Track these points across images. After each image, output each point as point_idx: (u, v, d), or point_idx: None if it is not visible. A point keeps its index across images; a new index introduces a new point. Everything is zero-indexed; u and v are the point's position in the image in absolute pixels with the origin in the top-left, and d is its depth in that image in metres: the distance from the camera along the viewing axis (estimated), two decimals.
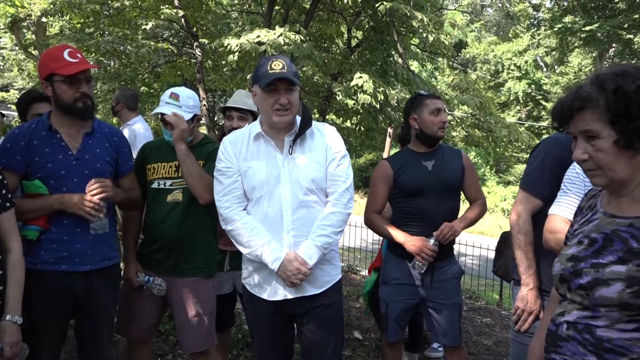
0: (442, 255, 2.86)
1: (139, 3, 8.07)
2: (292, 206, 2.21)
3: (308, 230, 2.23)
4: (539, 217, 2.25)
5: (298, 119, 2.32)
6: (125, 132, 4.17)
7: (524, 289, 2.25)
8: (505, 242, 2.88)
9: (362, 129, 7.80)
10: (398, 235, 2.87)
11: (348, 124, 8.02)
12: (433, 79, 20.80)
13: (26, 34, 15.58)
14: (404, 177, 2.90)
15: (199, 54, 8.14)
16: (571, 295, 1.42)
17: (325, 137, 2.30)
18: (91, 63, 2.38)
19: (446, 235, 2.78)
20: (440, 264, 2.89)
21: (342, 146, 2.31)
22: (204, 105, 8.04)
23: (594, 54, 21.85)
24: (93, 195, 2.28)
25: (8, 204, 2.11)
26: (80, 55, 2.33)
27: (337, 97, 7.05)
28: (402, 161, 2.96)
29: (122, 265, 2.71)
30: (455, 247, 3.10)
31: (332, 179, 2.27)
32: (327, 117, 8.27)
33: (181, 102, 2.63)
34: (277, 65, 2.17)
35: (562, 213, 2.01)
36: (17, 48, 16.65)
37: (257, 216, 2.26)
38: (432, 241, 2.79)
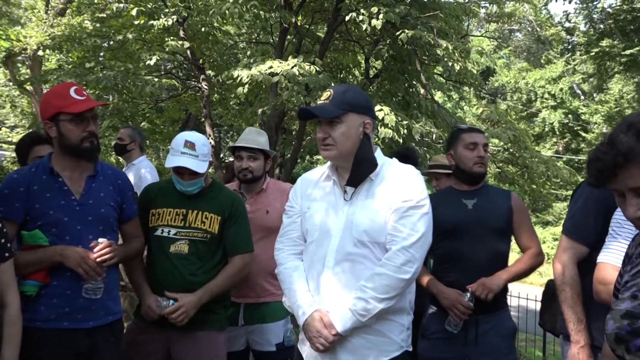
0: (490, 306, 2.77)
1: (143, 35, 8.32)
2: (335, 257, 2.13)
3: (351, 288, 2.10)
4: (586, 266, 2.23)
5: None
6: (130, 174, 4.24)
7: (574, 347, 2.20)
8: (552, 293, 2.83)
9: None
10: (432, 284, 2.83)
11: None
12: (459, 110, 20.90)
13: (21, 69, 16.10)
14: (440, 215, 2.85)
15: (206, 87, 8.32)
16: (631, 358, 1.38)
17: (396, 182, 2.16)
18: (93, 100, 2.46)
19: (481, 295, 2.70)
20: (488, 317, 2.79)
21: (415, 195, 2.12)
22: (211, 142, 8.18)
23: (636, 80, 21.88)
24: (100, 258, 2.31)
25: (7, 254, 2.13)
26: (86, 93, 2.42)
27: None
28: (441, 198, 2.98)
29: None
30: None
31: (392, 233, 2.10)
32: None
33: (198, 151, 2.66)
34: (323, 95, 2.22)
35: (612, 261, 1.99)
36: (10, 83, 17.16)
37: (305, 263, 2.25)
38: (467, 296, 2.71)
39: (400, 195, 2.12)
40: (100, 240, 2.33)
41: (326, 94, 2.20)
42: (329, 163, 2.31)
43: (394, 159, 2.30)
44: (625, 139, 1.31)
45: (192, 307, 2.58)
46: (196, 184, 2.72)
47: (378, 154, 2.25)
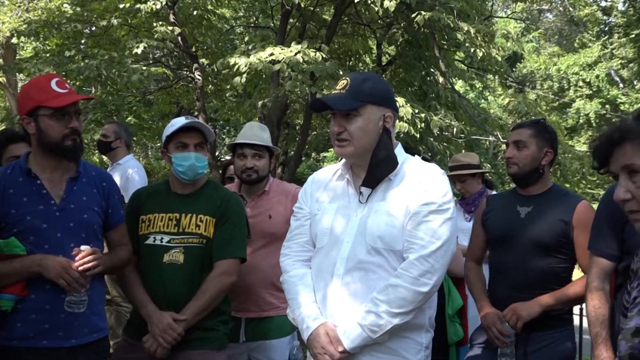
0: (544, 324, 2.71)
1: (129, 21, 8.35)
2: (346, 266, 2.12)
3: (362, 300, 2.10)
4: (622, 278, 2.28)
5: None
6: (115, 175, 4.25)
7: None
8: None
9: None
10: (479, 299, 2.86)
11: None
12: (483, 101, 20.88)
13: None
14: (490, 221, 2.90)
15: (199, 77, 8.35)
16: None
17: (416, 182, 2.14)
18: (77, 93, 2.47)
19: (510, 321, 2.67)
20: (541, 335, 2.73)
21: (438, 197, 2.10)
22: None
23: None
24: (82, 266, 2.31)
25: None
26: (69, 85, 2.43)
27: None
28: (498, 201, 2.99)
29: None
30: None
31: (409, 240, 2.09)
32: None
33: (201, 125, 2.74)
34: (339, 84, 2.20)
35: None
36: None
37: (313, 271, 2.25)
38: (506, 324, 2.69)
39: (421, 197, 2.10)
40: (82, 247, 2.34)
41: (342, 83, 2.18)
42: (343, 160, 2.30)
43: (416, 156, 2.29)
44: (631, 120, 1.43)
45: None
46: (205, 160, 2.73)
47: (399, 150, 2.24)
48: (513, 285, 2.74)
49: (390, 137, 2.19)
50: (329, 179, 2.33)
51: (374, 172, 2.15)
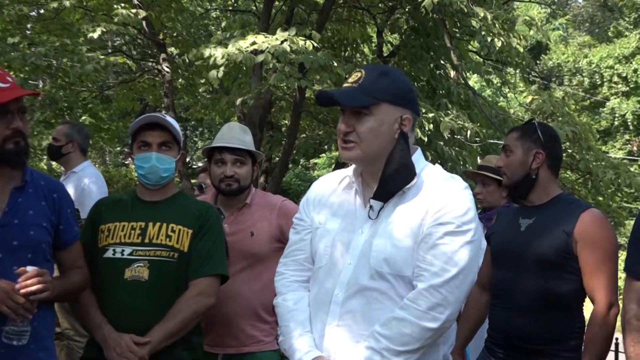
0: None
1: (84, 2, 8.35)
2: (346, 292, 2.12)
3: (363, 332, 2.08)
4: None
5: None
6: (69, 186, 4.23)
7: None
8: None
9: None
10: (457, 341, 2.95)
11: None
12: (501, 99, 20.97)
13: None
14: (493, 237, 2.98)
15: (167, 69, 8.35)
16: None
17: (432, 196, 2.11)
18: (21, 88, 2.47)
19: None
20: None
21: (458, 216, 2.07)
22: None
23: None
24: (25, 289, 2.29)
25: None
26: (11, 78, 2.42)
27: None
28: (506, 215, 3.06)
29: None
30: None
31: (420, 266, 2.07)
32: None
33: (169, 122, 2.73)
34: (352, 76, 2.20)
35: None
36: None
37: (310, 294, 2.26)
38: None
39: (436, 214, 2.08)
40: (28, 268, 2.32)
41: (355, 75, 2.18)
42: (353, 166, 2.29)
43: (437, 165, 2.28)
44: None
45: None
46: (169, 162, 2.73)
47: (417, 157, 2.24)
48: (511, 308, 2.77)
49: (407, 143, 2.17)
50: (334, 188, 2.33)
51: (387, 183, 2.14)
